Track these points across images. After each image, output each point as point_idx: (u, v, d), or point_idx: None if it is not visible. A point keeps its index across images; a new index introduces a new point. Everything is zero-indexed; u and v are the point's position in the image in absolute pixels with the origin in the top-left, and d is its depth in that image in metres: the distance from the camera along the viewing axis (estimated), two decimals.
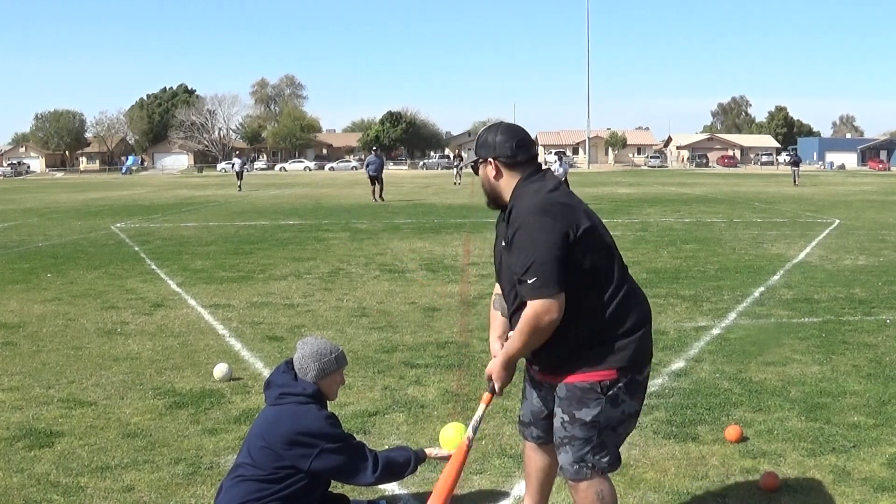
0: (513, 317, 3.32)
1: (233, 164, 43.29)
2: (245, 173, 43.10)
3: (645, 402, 5.53)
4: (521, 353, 3.25)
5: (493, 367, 3.31)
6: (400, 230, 18.20)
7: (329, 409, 3.69)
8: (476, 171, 3.41)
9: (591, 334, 3.19)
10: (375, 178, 29.07)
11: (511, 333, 3.28)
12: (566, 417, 3.23)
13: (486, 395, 3.41)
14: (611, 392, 3.19)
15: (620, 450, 3.33)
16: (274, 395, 3.60)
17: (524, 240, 3.12)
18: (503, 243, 3.30)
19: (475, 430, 3.49)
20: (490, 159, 3.30)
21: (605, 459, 3.25)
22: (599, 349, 3.20)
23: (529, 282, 3.08)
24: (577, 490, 3.27)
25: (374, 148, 32.73)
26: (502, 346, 3.41)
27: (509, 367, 3.30)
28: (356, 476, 3.54)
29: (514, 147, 3.27)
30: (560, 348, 3.21)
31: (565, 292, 3.10)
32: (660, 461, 4.60)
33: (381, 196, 28.86)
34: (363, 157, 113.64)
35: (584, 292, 3.16)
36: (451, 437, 3.74)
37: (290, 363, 3.68)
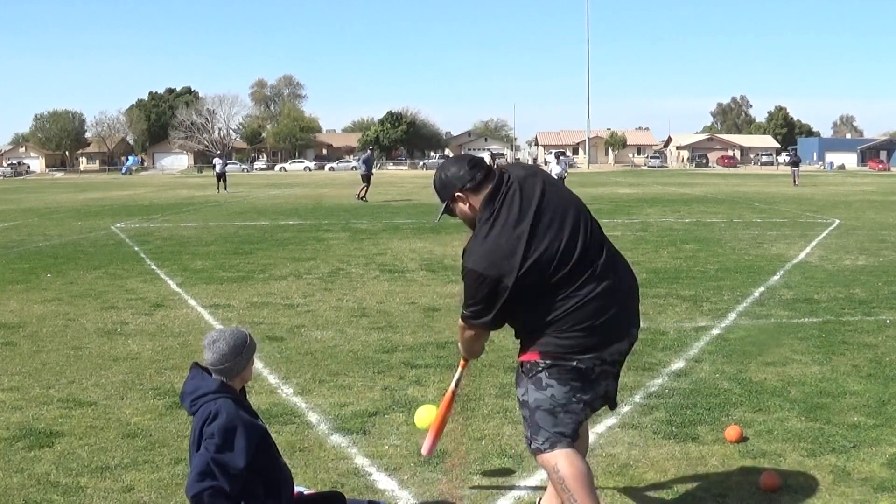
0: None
1: (214, 166, 43.28)
2: (228, 174, 43.27)
3: (645, 403, 5.58)
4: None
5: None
6: (400, 230, 18.20)
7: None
8: (453, 214, 3.55)
9: (531, 326, 3.40)
10: (369, 177, 29.73)
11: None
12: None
13: (462, 362, 3.91)
14: (534, 374, 3.37)
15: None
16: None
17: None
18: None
19: (457, 384, 4.00)
20: (457, 194, 3.43)
21: (541, 440, 3.38)
22: (534, 335, 3.39)
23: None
24: (543, 467, 3.53)
25: (371, 147, 33.81)
26: None
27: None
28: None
29: (469, 169, 3.42)
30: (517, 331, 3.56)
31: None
32: (660, 461, 4.60)
33: (366, 196, 29.13)
34: (363, 157, 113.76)
35: (534, 303, 3.36)
36: (425, 418, 4.15)
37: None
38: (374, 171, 30.67)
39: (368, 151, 31.57)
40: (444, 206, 3.51)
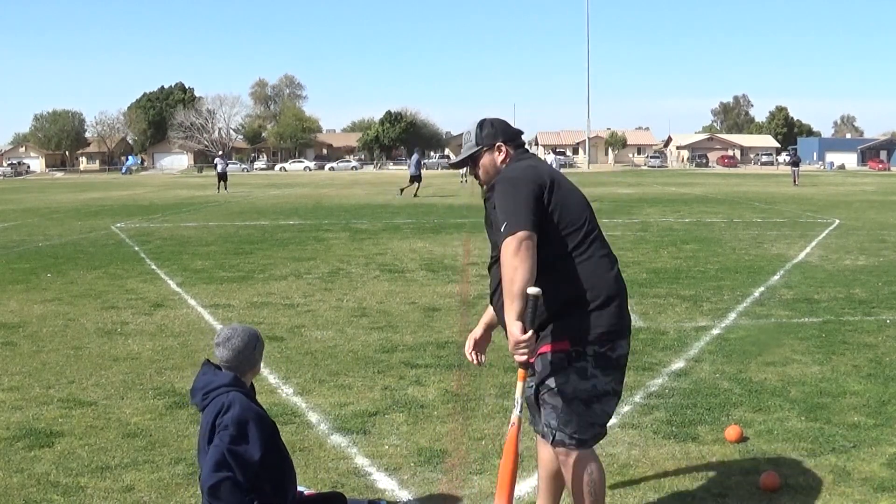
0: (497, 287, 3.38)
1: (215, 166, 43.25)
2: (228, 174, 43.23)
3: (645, 403, 5.58)
4: (515, 304, 3.06)
5: (509, 342, 3.10)
6: (400, 230, 18.20)
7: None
8: (476, 164, 3.49)
9: (559, 304, 3.20)
10: (417, 176, 32.03)
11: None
12: (539, 385, 3.31)
13: (520, 372, 3.26)
14: (577, 363, 3.21)
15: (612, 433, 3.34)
16: None
17: (499, 202, 3.24)
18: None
19: (520, 408, 3.30)
20: (499, 143, 3.44)
21: (572, 432, 3.26)
22: (567, 319, 3.22)
23: (503, 228, 3.14)
24: (562, 465, 3.36)
25: (418, 149, 35.64)
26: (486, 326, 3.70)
27: (516, 328, 3.06)
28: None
29: (514, 131, 3.49)
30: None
31: (540, 257, 3.13)
32: (660, 461, 4.60)
33: (416, 193, 31.71)
34: (363, 157, 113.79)
35: (555, 255, 3.22)
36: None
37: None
38: (421, 170, 32.75)
39: (416, 154, 33.16)
40: (478, 148, 3.44)
